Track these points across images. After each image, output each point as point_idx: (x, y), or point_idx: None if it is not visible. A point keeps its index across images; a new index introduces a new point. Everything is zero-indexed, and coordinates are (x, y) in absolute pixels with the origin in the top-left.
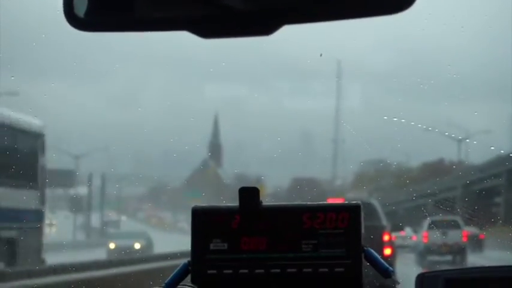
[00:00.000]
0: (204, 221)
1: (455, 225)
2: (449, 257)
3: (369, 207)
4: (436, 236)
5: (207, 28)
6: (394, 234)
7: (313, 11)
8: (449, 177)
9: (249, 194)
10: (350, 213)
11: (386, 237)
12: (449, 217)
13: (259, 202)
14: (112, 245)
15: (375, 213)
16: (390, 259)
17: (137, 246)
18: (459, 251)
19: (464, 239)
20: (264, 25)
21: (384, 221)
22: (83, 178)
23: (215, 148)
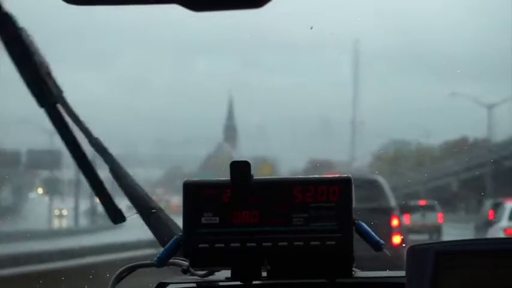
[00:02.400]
0: (195, 195)
1: (433, 209)
2: (426, 236)
3: (374, 184)
4: (417, 218)
5: (198, 1)
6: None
7: None
8: (475, 154)
9: (241, 167)
10: (341, 187)
11: (395, 222)
12: (428, 202)
13: (250, 176)
14: None
15: (380, 192)
16: (400, 250)
17: None
18: (436, 230)
19: (440, 220)
20: None
21: (392, 202)
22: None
23: (230, 131)
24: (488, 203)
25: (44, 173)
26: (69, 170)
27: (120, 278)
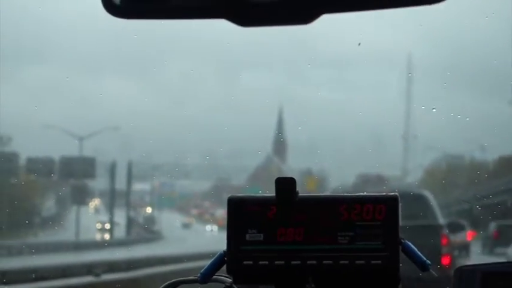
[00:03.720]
0: (240, 211)
1: (461, 227)
2: (456, 252)
3: (421, 200)
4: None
5: (246, 16)
6: None
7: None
8: None
9: (286, 184)
10: (387, 205)
11: (444, 241)
12: (457, 220)
13: (295, 193)
14: None
15: (428, 208)
16: (449, 271)
17: None
18: (464, 247)
19: (469, 238)
20: (302, 14)
21: (441, 219)
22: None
23: (279, 144)
24: (493, 225)
25: (79, 182)
26: (103, 178)
27: None
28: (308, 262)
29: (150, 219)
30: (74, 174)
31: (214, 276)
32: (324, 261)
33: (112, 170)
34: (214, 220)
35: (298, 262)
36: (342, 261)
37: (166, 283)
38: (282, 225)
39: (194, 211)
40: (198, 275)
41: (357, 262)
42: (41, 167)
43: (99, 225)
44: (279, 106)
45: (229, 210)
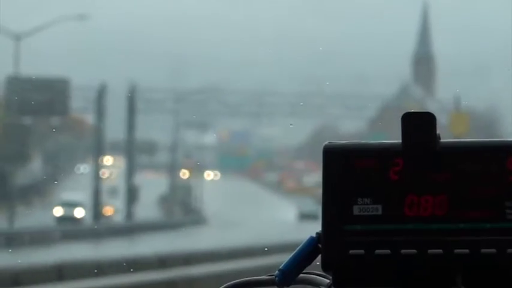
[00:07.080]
0: (343, 168)
1: None
2: None
3: None
4: None
5: None
6: None
7: None
8: None
9: (419, 123)
10: None
11: None
12: None
13: (436, 137)
14: None
15: None
16: None
17: None
18: None
19: None
20: None
21: None
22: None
23: (422, 64)
24: None
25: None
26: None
27: None
28: (456, 251)
29: (186, 190)
30: (35, 109)
31: (301, 275)
32: (482, 250)
33: (99, 101)
34: (303, 190)
35: (440, 251)
36: (510, 250)
37: (226, 285)
38: (412, 190)
39: (274, 175)
40: (276, 272)
41: None
42: None
43: (58, 211)
44: (422, 7)
45: (327, 166)
